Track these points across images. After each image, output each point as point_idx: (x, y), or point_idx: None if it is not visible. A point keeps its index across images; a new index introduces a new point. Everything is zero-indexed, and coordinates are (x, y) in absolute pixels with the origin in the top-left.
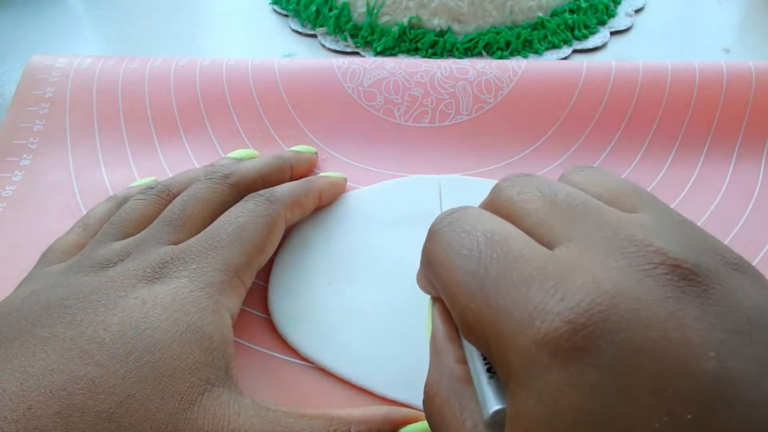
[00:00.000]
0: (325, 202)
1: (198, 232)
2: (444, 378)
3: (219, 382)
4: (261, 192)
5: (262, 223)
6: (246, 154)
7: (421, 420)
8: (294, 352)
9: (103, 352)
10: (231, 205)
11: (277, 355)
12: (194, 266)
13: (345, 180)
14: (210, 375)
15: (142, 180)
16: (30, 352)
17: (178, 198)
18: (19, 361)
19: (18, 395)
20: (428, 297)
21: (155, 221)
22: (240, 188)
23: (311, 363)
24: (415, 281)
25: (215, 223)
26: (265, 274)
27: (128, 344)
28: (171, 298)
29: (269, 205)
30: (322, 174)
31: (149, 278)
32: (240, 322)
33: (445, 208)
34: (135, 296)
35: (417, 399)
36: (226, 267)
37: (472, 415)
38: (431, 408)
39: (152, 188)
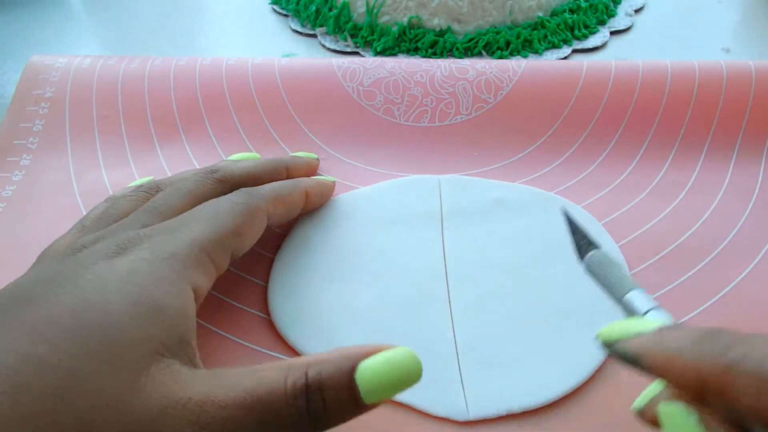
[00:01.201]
0: (312, 202)
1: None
2: None
3: (171, 353)
4: (244, 188)
5: (239, 210)
6: (247, 157)
7: (382, 350)
8: (294, 352)
9: (54, 330)
10: None
11: (277, 355)
12: (158, 239)
13: (333, 183)
14: (161, 347)
15: (140, 180)
16: None
17: (162, 191)
18: None
19: None
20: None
21: (137, 210)
22: (227, 184)
23: None
24: (416, 281)
25: (193, 209)
26: (265, 274)
27: (79, 320)
28: (127, 270)
29: (249, 196)
30: (313, 177)
31: (110, 255)
32: (240, 322)
33: (446, 208)
34: (93, 273)
35: (417, 399)
36: (192, 240)
37: None
38: None
39: (142, 186)
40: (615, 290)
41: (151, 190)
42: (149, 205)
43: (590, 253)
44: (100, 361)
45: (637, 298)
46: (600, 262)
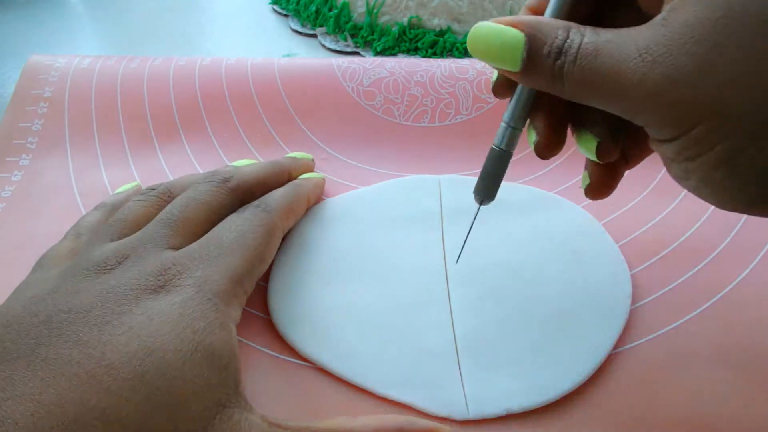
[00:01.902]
0: (311, 205)
1: (197, 235)
2: None
3: (230, 401)
4: (256, 203)
5: (261, 231)
6: (248, 164)
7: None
8: (294, 352)
9: (113, 378)
10: (229, 210)
11: (276, 355)
12: (199, 274)
13: (324, 179)
14: (221, 395)
15: (125, 186)
16: (38, 377)
17: (177, 199)
18: (28, 387)
19: (30, 428)
20: None
21: (153, 221)
22: (238, 192)
23: (311, 363)
24: (416, 281)
25: (215, 229)
26: (265, 274)
27: (138, 368)
28: (178, 312)
29: (266, 215)
30: (303, 176)
31: (152, 288)
32: (240, 322)
33: (445, 207)
34: (140, 311)
35: (416, 399)
36: (230, 276)
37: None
38: None
39: (153, 189)
40: (493, 157)
41: (163, 195)
42: (166, 216)
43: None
44: (166, 416)
45: (498, 136)
46: (477, 185)
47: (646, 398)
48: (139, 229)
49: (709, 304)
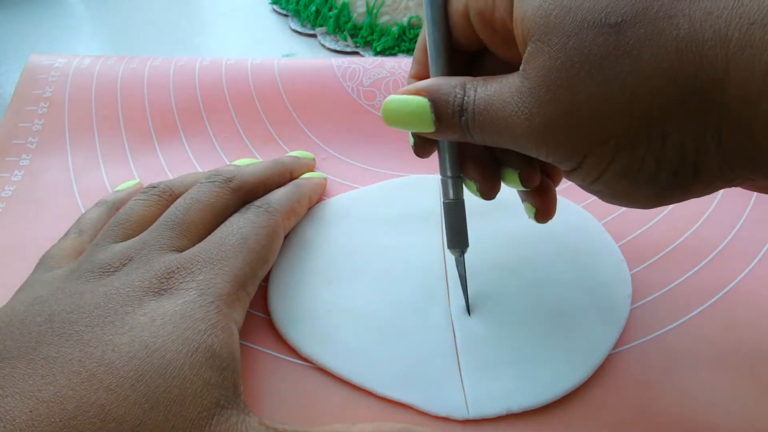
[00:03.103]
0: (313, 204)
1: (200, 237)
2: None
3: (228, 403)
4: (257, 203)
5: (264, 233)
6: (249, 163)
7: None
8: (294, 352)
9: (113, 376)
10: (232, 210)
11: (276, 355)
12: (202, 277)
13: (326, 179)
14: (220, 397)
15: (126, 183)
16: (38, 374)
17: (180, 200)
18: (27, 384)
19: (28, 424)
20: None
21: (157, 223)
22: (241, 193)
23: (311, 363)
24: (416, 281)
25: (217, 231)
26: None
27: (138, 367)
28: (180, 314)
29: (269, 216)
30: (304, 176)
31: (156, 291)
32: None
33: None
34: (143, 312)
35: (416, 399)
36: (233, 278)
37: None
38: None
39: (154, 188)
40: (449, 211)
41: (164, 193)
42: (170, 218)
43: (458, 253)
44: (164, 414)
45: (444, 191)
46: (449, 242)
47: (646, 398)
48: (142, 229)
49: (709, 304)
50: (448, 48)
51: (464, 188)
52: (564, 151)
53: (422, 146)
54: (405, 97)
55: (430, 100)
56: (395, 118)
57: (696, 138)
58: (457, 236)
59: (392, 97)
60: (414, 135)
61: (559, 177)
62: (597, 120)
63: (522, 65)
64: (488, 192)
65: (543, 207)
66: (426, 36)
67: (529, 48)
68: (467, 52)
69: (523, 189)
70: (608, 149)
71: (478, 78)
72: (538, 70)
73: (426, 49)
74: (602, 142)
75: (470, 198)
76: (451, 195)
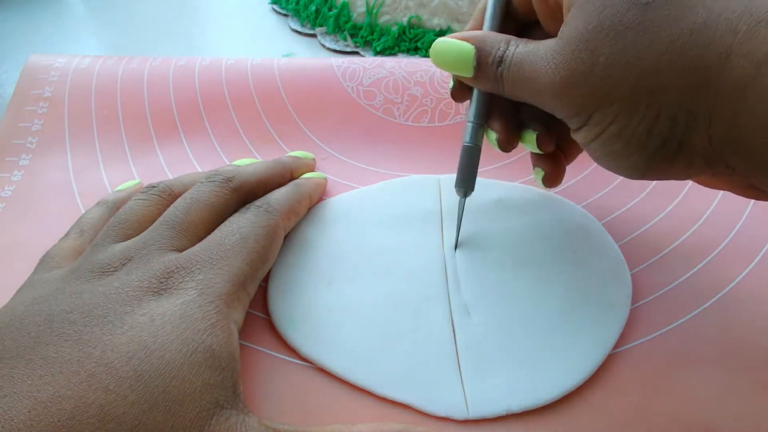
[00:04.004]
0: (313, 204)
1: (200, 237)
2: None
3: (227, 403)
4: (257, 203)
5: (263, 233)
6: (249, 163)
7: None
8: (294, 352)
9: (112, 376)
10: (232, 210)
11: (276, 355)
12: (201, 277)
13: (326, 179)
14: (219, 397)
15: (127, 183)
16: (36, 374)
17: (180, 200)
18: (26, 384)
19: (27, 424)
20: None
21: (156, 222)
22: (241, 193)
23: (311, 363)
24: (416, 281)
25: (217, 231)
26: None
27: (138, 367)
28: (180, 314)
29: (269, 215)
30: (304, 176)
31: (155, 290)
32: None
33: (445, 207)
34: (142, 312)
35: (416, 399)
36: (232, 278)
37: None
38: None
39: (154, 187)
40: (463, 153)
41: (163, 193)
42: (170, 218)
43: (462, 193)
44: (163, 414)
45: (464, 135)
46: (456, 179)
47: (646, 398)
48: (142, 229)
49: (709, 304)
50: (504, 11)
51: (485, 139)
52: (575, 107)
53: (459, 91)
54: (454, 40)
55: (475, 47)
56: (441, 59)
57: (688, 114)
58: (467, 178)
59: (442, 39)
60: (454, 79)
61: (573, 156)
62: (608, 82)
63: (560, 29)
64: (505, 144)
65: (552, 172)
66: None
67: (569, 14)
68: (519, 22)
69: (537, 151)
70: (611, 111)
71: (522, 39)
72: (571, 31)
73: (484, 10)
74: (609, 102)
75: (471, 198)
76: (472, 140)
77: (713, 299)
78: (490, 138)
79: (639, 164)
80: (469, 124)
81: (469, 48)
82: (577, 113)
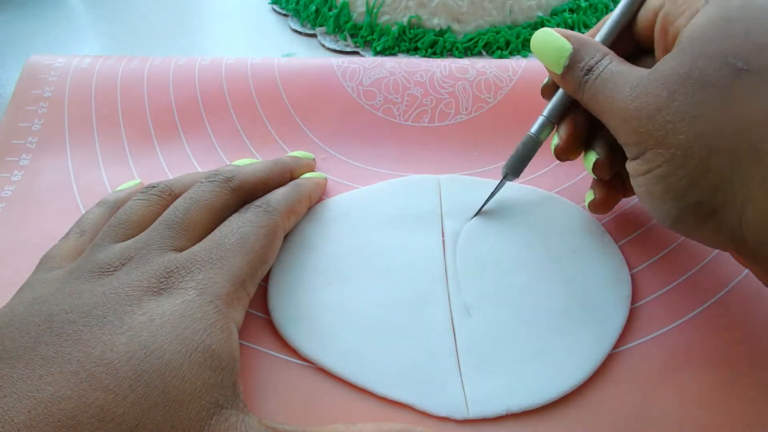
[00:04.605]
0: (312, 204)
1: (200, 237)
2: None
3: (227, 403)
4: (257, 203)
5: (263, 233)
6: (249, 163)
7: None
8: (294, 352)
9: (112, 376)
10: (232, 210)
11: (276, 354)
12: (201, 277)
13: (326, 179)
14: (219, 396)
15: (128, 183)
16: (36, 375)
17: (180, 200)
18: (26, 384)
19: (26, 424)
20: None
21: (156, 222)
22: (241, 192)
23: (311, 363)
24: (416, 281)
25: (217, 231)
26: (266, 274)
27: (137, 367)
28: (179, 314)
29: (268, 215)
30: (304, 176)
31: (155, 290)
32: None
33: (445, 207)
34: (142, 312)
35: (416, 399)
36: (232, 278)
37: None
38: None
39: (154, 187)
40: (526, 142)
41: (163, 193)
42: (169, 218)
43: (504, 174)
44: (163, 414)
45: (533, 126)
46: (508, 164)
47: (646, 398)
48: (142, 229)
49: (709, 303)
50: (622, 29)
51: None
52: (636, 136)
53: (550, 88)
54: (557, 34)
55: (573, 48)
56: (539, 46)
57: (729, 186)
58: (515, 165)
59: (548, 29)
60: (549, 77)
61: (629, 190)
62: (672, 127)
63: (657, 63)
64: (562, 151)
65: (602, 199)
66: (615, 12)
67: (671, 52)
68: (634, 45)
69: (592, 174)
70: (665, 154)
71: (620, 58)
72: (664, 68)
73: (604, 22)
74: (666, 145)
75: (471, 198)
76: (538, 133)
77: (713, 299)
78: (554, 140)
79: (671, 214)
80: (541, 117)
81: (567, 46)
82: (636, 144)
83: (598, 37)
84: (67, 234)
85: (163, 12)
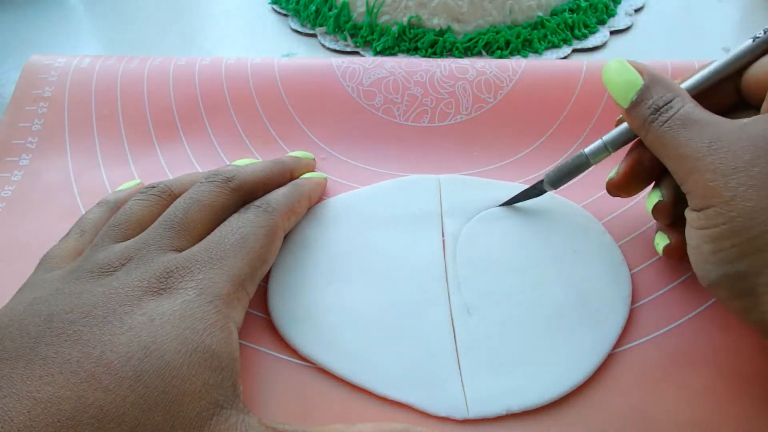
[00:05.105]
0: (312, 204)
1: (200, 237)
2: None
3: (227, 403)
4: (257, 203)
5: (263, 233)
6: (249, 163)
7: None
8: (294, 352)
9: (111, 376)
10: (232, 210)
11: (276, 354)
12: (201, 277)
13: (326, 179)
14: (219, 397)
15: (128, 183)
16: (36, 375)
17: (180, 200)
18: (25, 384)
19: (26, 425)
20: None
21: (156, 223)
22: (241, 193)
23: (311, 363)
24: (416, 281)
25: (217, 231)
26: (266, 274)
27: (137, 367)
28: (179, 314)
29: (268, 215)
30: (304, 176)
31: (155, 290)
32: None
33: (445, 207)
34: (142, 312)
35: (416, 399)
36: (232, 278)
37: None
38: None
39: (153, 188)
40: (577, 161)
41: (163, 193)
42: (169, 218)
43: (543, 180)
44: (163, 414)
45: (590, 147)
46: (551, 174)
47: (646, 398)
48: (142, 229)
49: (709, 303)
50: (723, 78)
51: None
52: (704, 190)
53: (618, 120)
54: (630, 66)
55: (645, 83)
56: (609, 76)
57: None
58: (556, 179)
59: (621, 59)
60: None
61: None
62: (743, 195)
63: (744, 120)
64: (617, 186)
65: (676, 244)
66: (722, 60)
67: (763, 114)
68: (732, 95)
69: (649, 213)
70: (724, 217)
71: (699, 105)
72: (755, 129)
73: (704, 68)
74: (728, 208)
75: (471, 197)
76: (591, 155)
77: (713, 299)
78: (614, 171)
79: (710, 275)
80: (600, 141)
81: (638, 80)
82: (701, 197)
83: (692, 81)
84: (67, 234)
85: (163, 12)
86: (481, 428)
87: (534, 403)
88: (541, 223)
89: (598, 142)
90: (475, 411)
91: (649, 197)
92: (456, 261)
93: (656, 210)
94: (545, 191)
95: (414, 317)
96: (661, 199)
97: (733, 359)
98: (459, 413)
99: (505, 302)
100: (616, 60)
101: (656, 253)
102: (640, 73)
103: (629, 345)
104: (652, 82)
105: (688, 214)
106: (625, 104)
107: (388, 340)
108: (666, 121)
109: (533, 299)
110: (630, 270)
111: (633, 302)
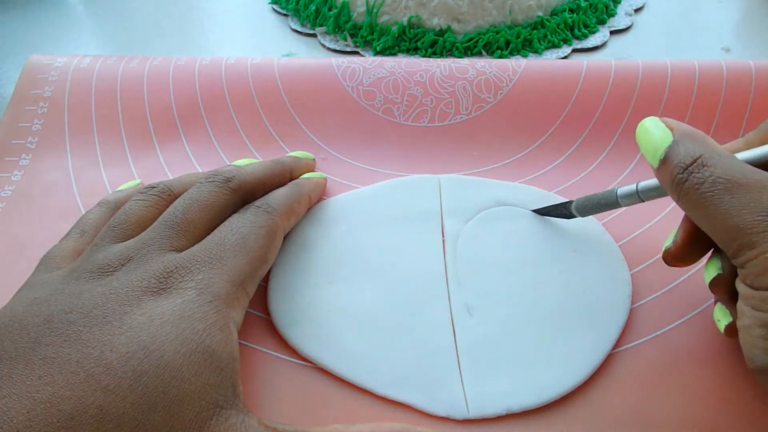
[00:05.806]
0: (312, 204)
1: (200, 237)
2: None
3: (227, 403)
4: (257, 203)
5: (263, 233)
6: (249, 163)
7: None
8: (294, 352)
9: (111, 377)
10: (232, 210)
11: (276, 355)
12: (200, 277)
13: (326, 179)
14: (218, 397)
15: (128, 183)
16: (35, 375)
17: (179, 200)
18: (25, 384)
19: (26, 425)
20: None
21: (156, 223)
22: (241, 193)
23: (311, 363)
24: (416, 281)
25: (217, 231)
26: (266, 274)
27: (137, 367)
28: (179, 314)
29: (268, 216)
30: (304, 176)
31: (154, 290)
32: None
33: (445, 207)
34: (141, 312)
35: (416, 399)
36: (232, 278)
37: None
38: None
39: (153, 188)
40: (607, 198)
41: (163, 193)
42: (169, 218)
43: (572, 203)
44: (162, 414)
45: (623, 189)
46: (580, 202)
47: (646, 398)
48: (141, 229)
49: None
50: (759, 163)
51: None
52: (761, 269)
53: None
54: (661, 123)
55: (674, 139)
56: (640, 134)
57: None
58: (587, 208)
59: (655, 118)
60: None
61: None
62: None
63: None
64: (675, 256)
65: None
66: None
67: None
68: None
69: (709, 289)
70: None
71: (731, 154)
72: None
73: (748, 147)
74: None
75: (471, 197)
76: (620, 198)
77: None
78: (665, 242)
79: (757, 360)
80: (633, 186)
81: (667, 138)
82: (758, 275)
83: (744, 155)
84: (67, 234)
85: (163, 12)
86: (481, 428)
87: (534, 403)
88: (541, 223)
89: (631, 187)
90: (475, 411)
91: (706, 269)
92: (456, 261)
93: (714, 284)
94: (574, 216)
95: (414, 317)
96: (720, 273)
97: (733, 359)
98: (459, 413)
99: (505, 302)
100: (650, 118)
101: (656, 253)
102: (671, 129)
103: (629, 345)
104: (681, 137)
105: (741, 288)
106: (655, 163)
107: (388, 340)
108: (702, 183)
109: (533, 299)
110: (630, 270)
111: (633, 302)
